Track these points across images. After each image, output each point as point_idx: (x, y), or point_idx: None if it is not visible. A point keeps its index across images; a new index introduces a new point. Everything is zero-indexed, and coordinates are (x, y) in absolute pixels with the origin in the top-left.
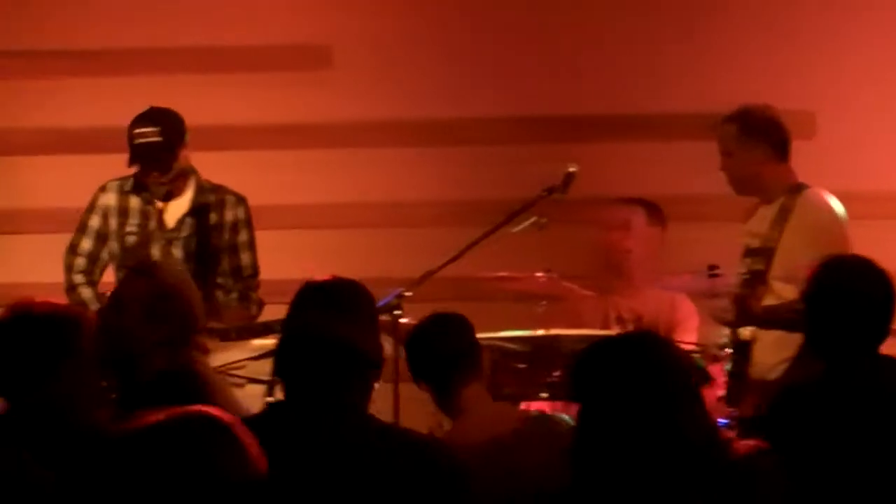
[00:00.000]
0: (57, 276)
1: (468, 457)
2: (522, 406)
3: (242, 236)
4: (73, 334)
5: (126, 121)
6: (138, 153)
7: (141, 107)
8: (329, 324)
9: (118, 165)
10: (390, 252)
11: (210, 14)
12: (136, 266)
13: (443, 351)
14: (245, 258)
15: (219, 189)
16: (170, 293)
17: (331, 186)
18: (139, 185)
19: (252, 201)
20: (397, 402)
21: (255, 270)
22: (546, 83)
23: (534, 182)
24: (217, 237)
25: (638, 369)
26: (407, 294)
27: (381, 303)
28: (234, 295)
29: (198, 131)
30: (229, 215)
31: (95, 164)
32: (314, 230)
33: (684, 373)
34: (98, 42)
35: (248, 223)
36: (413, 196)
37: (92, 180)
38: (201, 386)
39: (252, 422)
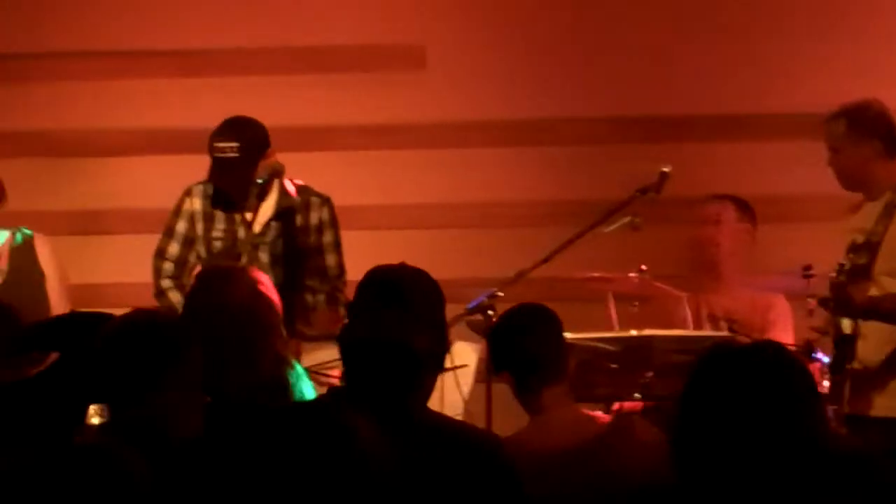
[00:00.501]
0: (144, 276)
1: (541, 460)
2: (615, 406)
3: (327, 237)
4: (179, 343)
5: (217, 122)
6: (217, 166)
7: (233, 107)
8: (383, 321)
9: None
10: (483, 252)
11: (304, 15)
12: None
13: (530, 344)
14: (330, 259)
15: (303, 190)
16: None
17: (424, 187)
18: (219, 193)
19: (345, 202)
20: (490, 402)
21: (342, 271)
22: (640, 83)
23: (627, 182)
24: (303, 239)
25: (767, 377)
26: (499, 294)
27: (473, 303)
28: (322, 297)
29: (291, 132)
30: (314, 217)
31: (184, 164)
32: (407, 230)
33: (809, 377)
34: (190, 43)
35: (333, 224)
36: (506, 196)
37: (180, 181)
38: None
39: (308, 405)
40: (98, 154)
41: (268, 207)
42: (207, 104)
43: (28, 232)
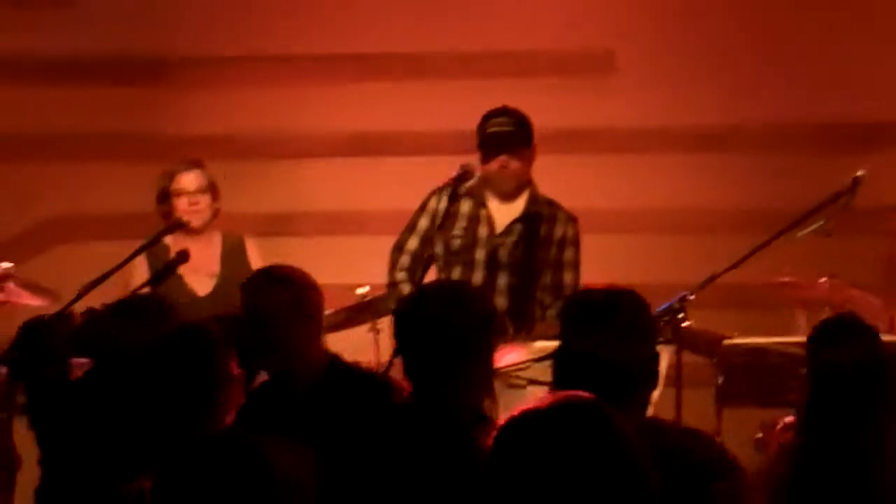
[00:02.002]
0: (337, 278)
1: None
2: None
3: (569, 254)
4: (481, 336)
5: (407, 125)
6: (492, 141)
7: (425, 111)
8: (600, 339)
9: (399, 169)
10: (672, 258)
11: (495, 20)
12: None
13: None
14: (568, 277)
15: (552, 204)
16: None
17: (613, 192)
18: (483, 183)
19: None
20: (679, 408)
21: (577, 290)
22: (830, 89)
23: (817, 190)
24: (543, 250)
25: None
26: (690, 298)
27: (663, 306)
28: (552, 312)
29: None
30: (559, 231)
31: (377, 167)
32: (596, 235)
33: None
34: (384, 47)
35: (576, 243)
36: (695, 202)
37: (373, 184)
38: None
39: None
40: (292, 156)
41: (515, 208)
42: (401, 108)
43: (238, 236)
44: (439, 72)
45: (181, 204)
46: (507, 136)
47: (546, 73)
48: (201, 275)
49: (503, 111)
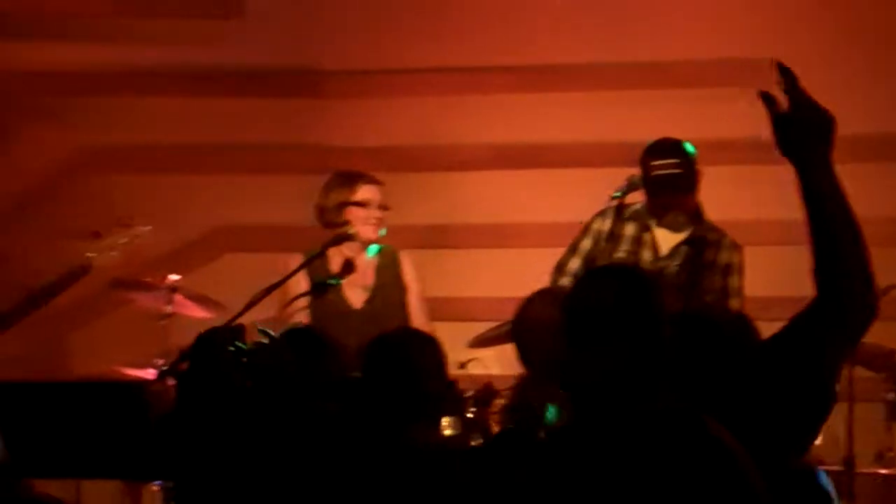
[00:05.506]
0: (492, 291)
1: None
2: None
3: (734, 281)
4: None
5: (563, 136)
6: (660, 184)
7: (577, 122)
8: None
9: (555, 181)
10: None
11: (642, 29)
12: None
13: None
14: (735, 304)
15: (717, 230)
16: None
17: (767, 202)
18: (655, 213)
19: None
20: (851, 422)
21: None
22: None
23: None
24: (708, 276)
25: None
26: None
27: None
28: None
29: (631, 147)
30: (724, 257)
31: (530, 179)
32: (759, 246)
33: None
34: (534, 58)
35: (741, 270)
36: (858, 212)
37: (526, 196)
38: None
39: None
40: (447, 168)
41: (680, 233)
42: (551, 119)
43: (393, 249)
44: (594, 83)
45: (361, 214)
46: (675, 180)
47: (694, 83)
48: (357, 287)
49: (669, 149)
